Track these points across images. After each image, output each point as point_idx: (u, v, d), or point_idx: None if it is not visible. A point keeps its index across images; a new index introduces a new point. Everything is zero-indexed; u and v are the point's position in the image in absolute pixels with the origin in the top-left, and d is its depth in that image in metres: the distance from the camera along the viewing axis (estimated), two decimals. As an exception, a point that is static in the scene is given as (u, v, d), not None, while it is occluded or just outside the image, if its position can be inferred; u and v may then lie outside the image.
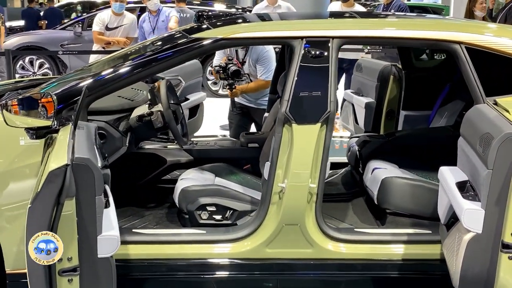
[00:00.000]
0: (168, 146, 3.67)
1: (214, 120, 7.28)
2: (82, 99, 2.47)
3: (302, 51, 2.83)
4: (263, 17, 3.51)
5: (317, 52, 2.83)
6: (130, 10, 9.79)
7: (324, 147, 2.80)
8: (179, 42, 2.92)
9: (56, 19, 12.91)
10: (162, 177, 3.61)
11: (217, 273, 2.87)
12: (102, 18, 6.98)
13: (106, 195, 2.40)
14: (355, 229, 3.00)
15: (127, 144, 2.99)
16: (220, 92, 9.34)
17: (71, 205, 1.92)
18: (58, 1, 18.07)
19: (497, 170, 2.11)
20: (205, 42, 2.86)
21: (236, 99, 4.86)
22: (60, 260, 1.93)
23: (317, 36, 2.87)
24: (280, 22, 3.16)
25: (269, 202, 2.83)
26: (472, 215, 2.15)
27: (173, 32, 3.31)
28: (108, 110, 3.12)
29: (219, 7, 11.30)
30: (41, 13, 13.93)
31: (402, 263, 2.87)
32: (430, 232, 2.88)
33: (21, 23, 13.81)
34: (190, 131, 4.81)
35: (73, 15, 14.86)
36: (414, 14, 7.01)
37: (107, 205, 2.29)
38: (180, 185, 3.13)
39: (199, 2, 11.70)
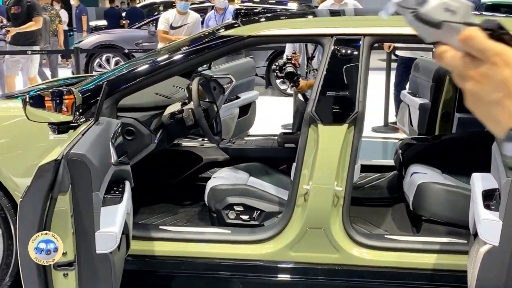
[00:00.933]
0: (205, 144, 3.67)
1: (283, 119, 7.23)
2: (102, 96, 2.51)
3: (331, 49, 2.75)
4: (302, 14, 3.43)
5: (347, 51, 2.75)
6: (202, 9, 9.94)
7: (352, 149, 2.71)
8: (207, 40, 2.91)
9: (138, 19, 13.30)
10: (198, 175, 3.62)
11: (240, 273, 2.84)
12: (166, 17, 7.12)
13: (122, 191, 2.42)
14: (385, 236, 2.88)
15: (155, 141, 3.01)
16: (289, 91, 9.28)
17: (65, 200, 1.94)
18: (144, 1, 18.62)
19: None
20: (233, 40, 2.83)
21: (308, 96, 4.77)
22: None
23: (347, 33, 2.78)
24: (310, 19, 3.09)
25: (294, 204, 2.77)
26: (489, 226, 2.00)
27: (206, 31, 3.30)
28: (141, 107, 3.15)
29: (292, 6, 11.25)
30: (124, 13, 14.41)
31: (434, 274, 2.72)
32: (465, 241, 2.71)
33: (105, 22, 14.36)
34: (241, 130, 4.82)
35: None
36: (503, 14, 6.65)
37: (120, 200, 2.31)
38: (210, 184, 3.12)
39: (274, 1, 11.71)
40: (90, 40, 10.48)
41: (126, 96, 2.87)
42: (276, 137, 3.74)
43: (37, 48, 7.56)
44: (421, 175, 3.11)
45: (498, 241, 1.98)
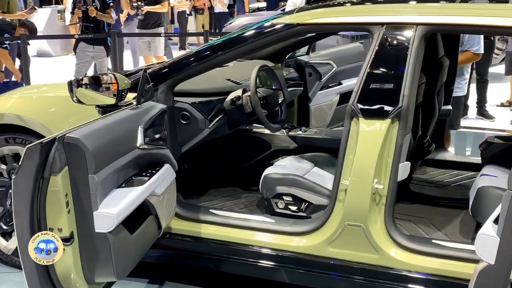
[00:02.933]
0: (276, 132, 3.67)
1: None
2: (141, 82, 2.63)
3: (380, 39, 2.61)
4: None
5: (396, 40, 2.59)
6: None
7: (395, 146, 2.57)
8: (262, 27, 2.91)
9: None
10: (267, 162, 3.63)
11: (280, 264, 2.83)
12: (294, 1, 7.12)
13: (151, 174, 2.53)
14: (433, 240, 2.69)
15: (209, 127, 3.08)
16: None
17: (57, 181, 2.08)
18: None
19: None
20: (282, 28, 2.81)
21: None
22: (51, 229, 2.12)
23: (398, 22, 2.62)
24: (361, 7, 2.93)
25: (335, 198, 2.70)
26: (486, 242, 1.80)
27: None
28: (207, 93, 3.24)
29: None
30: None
31: None
32: None
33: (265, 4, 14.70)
34: (340, 118, 4.72)
35: (315, -5, 15.25)
36: None
37: (141, 183, 2.42)
38: (265, 171, 3.13)
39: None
40: (238, 23, 10.82)
41: (180, 82, 2.97)
42: None
43: (162, 29, 8.19)
44: (487, 178, 2.85)
45: (493, 260, 1.78)
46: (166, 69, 2.98)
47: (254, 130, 3.70)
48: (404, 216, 3.12)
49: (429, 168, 3.87)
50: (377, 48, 2.62)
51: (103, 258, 2.19)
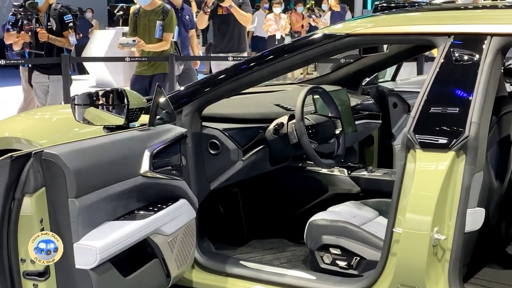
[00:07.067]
0: (335, 171, 3.69)
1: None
2: (154, 100, 2.79)
3: (445, 53, 2.64)
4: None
5: (464, 54, 2.59)
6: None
7: (462, 185, 2.55)
8: (306, 38, 3.02)
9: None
10: (323, 208, 3.66)
11: None
12: None
13: (159, 209, 2.66)
14: None
15: (243, 159, 3.17)
16: None
17: (30, 203, 2.16)
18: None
19: None
20: (329, 39, 2.88)
21: None
22: (24, 260, 2.26)
23: (468, 33, 2.63)
24: (425, 14, 2.95)
25: (387, 252, 2.67)
26: None
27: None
28: (241, 118, 3.32)
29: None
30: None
31: None
32: None
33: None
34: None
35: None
36: None
37: (142, 217, 2.55)
38: (313, 217, 3.17)
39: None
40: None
41: (210, 103, 3.09)
42: None
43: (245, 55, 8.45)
44: None
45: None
46: (193, 88, 3.10)
47: (308, 168, 3.75)
48: (488, 282, 3.04)
49: None
50: (441, 63, 2.61)
51: None
